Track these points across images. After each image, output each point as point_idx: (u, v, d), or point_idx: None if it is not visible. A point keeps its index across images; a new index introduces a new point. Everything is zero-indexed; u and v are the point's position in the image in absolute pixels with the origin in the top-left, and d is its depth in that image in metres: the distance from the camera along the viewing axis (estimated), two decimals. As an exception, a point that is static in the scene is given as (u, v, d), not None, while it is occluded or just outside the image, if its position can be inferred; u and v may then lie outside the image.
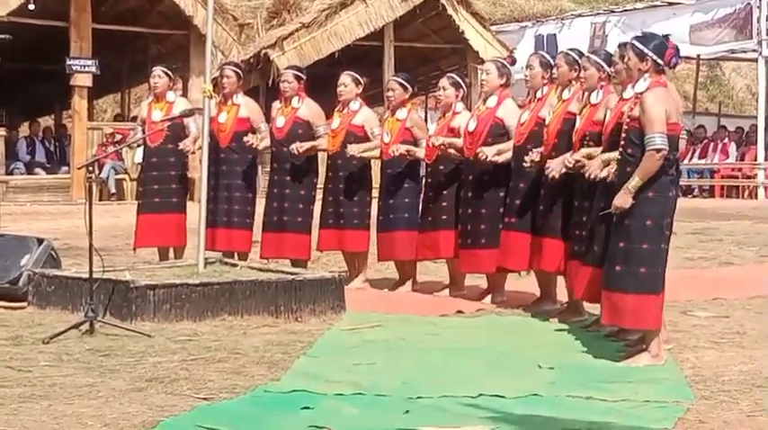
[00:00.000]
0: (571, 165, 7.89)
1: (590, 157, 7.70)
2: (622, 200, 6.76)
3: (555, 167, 8.07)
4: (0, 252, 9.17)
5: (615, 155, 7.15)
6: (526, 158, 8.51)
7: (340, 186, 10.06)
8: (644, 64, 6.84)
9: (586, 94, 8.11)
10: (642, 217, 6.72)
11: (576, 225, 8.00)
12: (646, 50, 6.82)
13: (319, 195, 10.28)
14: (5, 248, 9.21)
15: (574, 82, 8.41)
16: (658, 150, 6.64)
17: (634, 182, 6.70)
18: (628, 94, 7.06)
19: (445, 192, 9.57)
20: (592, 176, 7.39)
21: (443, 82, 9.73)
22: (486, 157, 8.89)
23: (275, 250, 10.19)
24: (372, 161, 10.25)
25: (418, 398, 5.82)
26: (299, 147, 9.93)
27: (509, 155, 8.91)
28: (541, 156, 8.44)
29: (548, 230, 8.40)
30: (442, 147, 9.37)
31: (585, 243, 7.62)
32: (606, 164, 7.31)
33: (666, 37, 6.97)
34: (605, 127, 7.47)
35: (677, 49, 6.92)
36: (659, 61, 6.83)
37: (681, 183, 19.10)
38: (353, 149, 9.82)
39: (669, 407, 5.67)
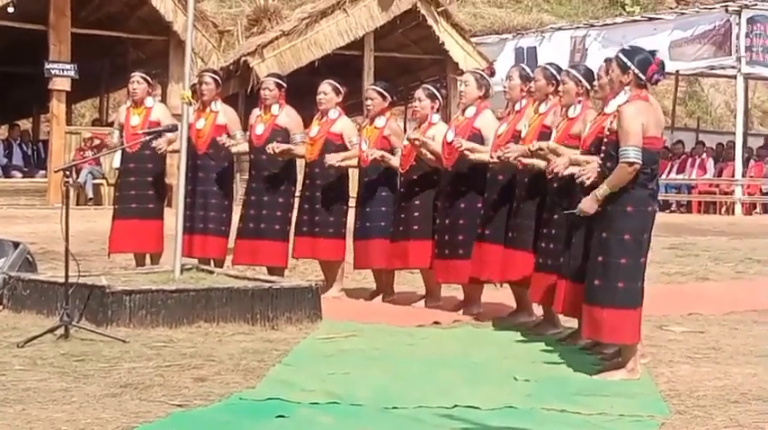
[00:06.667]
0: (534, 149, 7.91)
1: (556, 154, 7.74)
2: (588, 205, 6.78)
3: (514, 151, 8.20)
4: (-25, 255, 9.14)
5: (585, 158, 7.17)
6: (501, 150, 8.47)
7: (316, 194, 10.02)
8: (626, 77, 6.83)
9: (563, 108, 8.12)
10: (620, 231, 6.70)
11: (543, 237, 8.01)
12: (629, 63, 6.82)
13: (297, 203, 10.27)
14: (-20, 251, 9.18)
15: (551, 96, 8.41)
16: (631, 164, 6.62)
17: (602, 190, 6.70)
18: (610, 108, 7.06)
19: (418, 202, 9.54)
20: (555, 170, 7.41)
21: (419, 93, 9.70)
22: (461, 146, 8.88)
23: (249, 257, 10.16)
24: (350, 170, 10.24)
25: (393, 408, 5.81)
26: (275, 147, 9.91)
27: (482, 157, 8.89)
28: (517, 169, 8.45)
29: (519, 243, 8.40)
30: (417, 142, 9.33)
31: (559, 256, 7.61)
32: (574, 164, 7.30)
33: (653, 53, 6.95)
34: (583, 141, 7.46)
35: (662, 66, 6.90)
36: (641, 75, 6.83)
37: (658, 197, 19.16)
38: (331, 159, 9.80)
39: (644, 422, 5.67)
